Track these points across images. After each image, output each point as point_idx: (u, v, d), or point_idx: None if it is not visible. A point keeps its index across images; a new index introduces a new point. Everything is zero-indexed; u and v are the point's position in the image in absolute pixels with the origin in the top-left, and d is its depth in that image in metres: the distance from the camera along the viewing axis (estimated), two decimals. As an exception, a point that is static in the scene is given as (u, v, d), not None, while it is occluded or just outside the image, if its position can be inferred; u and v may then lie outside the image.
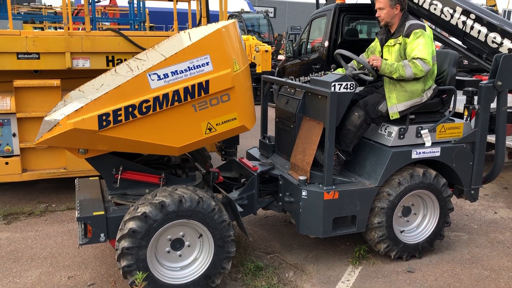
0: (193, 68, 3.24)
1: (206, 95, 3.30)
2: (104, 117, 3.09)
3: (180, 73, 3.22)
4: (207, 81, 3.27)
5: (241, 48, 3.54)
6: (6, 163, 4.99)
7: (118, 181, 3.54)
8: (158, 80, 3.17)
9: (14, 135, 5.00)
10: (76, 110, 3.08)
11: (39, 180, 5.33)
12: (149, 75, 3.15)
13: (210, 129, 3.42)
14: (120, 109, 3.11)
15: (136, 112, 3.16)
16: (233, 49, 3.42)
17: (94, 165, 3.55)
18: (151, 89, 3.16)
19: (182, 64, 3.21)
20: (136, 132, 3.22)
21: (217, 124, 3.43)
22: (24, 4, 18.08)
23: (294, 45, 10.39)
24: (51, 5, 19.28)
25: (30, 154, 5.11)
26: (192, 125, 3.36)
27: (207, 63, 3.27)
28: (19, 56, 5.00)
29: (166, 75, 3.18)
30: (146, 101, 3.16)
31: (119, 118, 3.13)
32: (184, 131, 3.36)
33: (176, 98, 3.22)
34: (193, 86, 3.24)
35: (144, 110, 3.17)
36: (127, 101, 3.13)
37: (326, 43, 8.66)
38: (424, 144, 3.94)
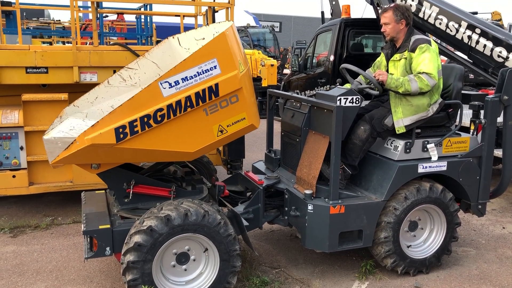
0: (202, 72, 3.28)
1: (216, 98, 3.35)
2: (120, 130, 3.12)
3: (190, 79, 3.25)
4: (216, 85, 3.32)
5: (241, 50, 3.59)
6: (14, 176, 5.01)
7: (130, 195, 3.54)
8: (169, 88, 3.21)
9: (21, 148, 5.04)
10: (92, 125, 3.10)
11: (45, 193, 5.34)
12: (161, 83, 3.18)
13: (221, 131, 3.47)
14: (135, 120, 3.15)
15: (151, 121, 3.19)
16: (236, 51, 3.47)
17: (106, 180, 3.55)
18: (163, 97, 3.20)
19: (191, 70, 3.25)
20: (153, 141, 3.26)
21: (228, 126, 3.48)
22: (33, 19, 18.32)
23: (299, 59, 10.44)
24: (59, 20, 19.52)
25: (37, 168, 5.13)
26: (204, 129, 3.41)
27: (215, 67, 3.31)
28: (28, 70, 5.06)
29: (177, 82, 3.22)
30: (160, 109, 3.19)
31: (135, 129, 3.16)
32: (197, 136, 3.41)
33: (188, 104, 3.26)
34: (203, 90, 3.29)
35: (159, 118, 3.20)
36: (142, 112, 3.16)
37: (332, 57, 8.70)
38: (430, 158, 3.92)
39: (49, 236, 4.78)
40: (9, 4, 8.61)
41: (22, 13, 12.18)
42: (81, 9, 11.32)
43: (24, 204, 5.68)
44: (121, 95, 3.91)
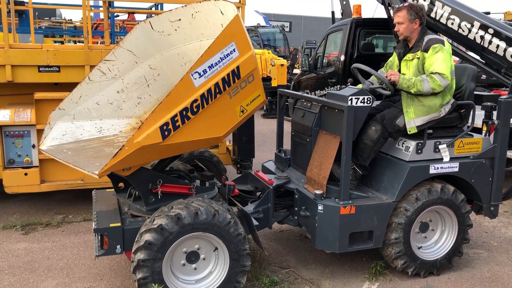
0: (224, 57, 3.31)
1: (238, 80, 3.42)
2: (165, 127, 3.16)
3: (215, 65, 3.29)
4: (237, 67, 3.38)
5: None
6: (26, 174, 5.06)
7: (159, 194, 3.55)
8: (199, 77, 3.24)
9: (33, 146, 5.09)
10: (139, 128, 3.10)
11: (56, 191, 5.39)
12: (192, 74, 3.20)
13: (242, 111, 3.56)
14: (176, 115, 3.19)
15: (189, 113, 3.24)
16: (246, 32, 3.51)
17: (133, 181, 3.54)
18: (195, 88, 3.23)
19: (215, 57, 3.27)
20: (191, 132, 3.32)
21: (247, 105, 3.57)
22: (45, 18, 18.48)
23: (310, 59, 10.42)
24: (71, 20, 19.67)
25: (49, 166, 5.17)
26: (229, 112, 3.49)
27: (234, 50, 3.35)
28: (40, 69, 5.11)
29: (205, 71, 3.25)
30: (195, 100, 3.24)
31: (177, 124, 3.21)
32: (224, 119, 3.49)
33: (217, 91, 3.32)
34: (228, 75, 3.34)
35: (195, 109, 3.26)
36: (180, 105, 3.20)
37: (342, 57, 8.67)
38: (442, 159, 3.89)
39: (60, 234, 4.82)
40: (22, 3, 8.69)
41: (34, 12, 12.29)
42: (93, 8, 11.40)
43: (35, 201, 5.73)
44: (103, 89, 3.95)
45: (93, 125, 3.97)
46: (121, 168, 3.26)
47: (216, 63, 3.27)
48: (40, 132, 5.05)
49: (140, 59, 4.06)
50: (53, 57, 5.08)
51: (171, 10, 4.05)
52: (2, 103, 5.30)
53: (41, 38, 11.07)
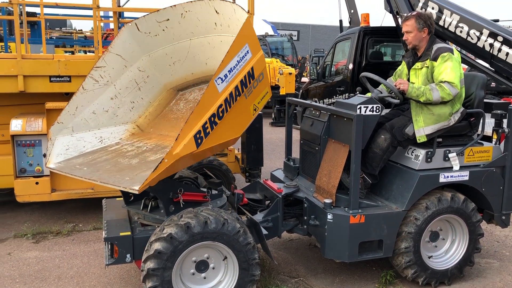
0: (240, 60, 3.37)
1: (252, 80, 3.49)
2: (197, 135, 3.22)
3: (234, 69, 3.34)
4: (252, 68, 3.46)
5: None
6: (37, 183, 5.11)
7: (181, 203, 3.57)
8: (222, 82, 3.29)
9: (44, 155, 5.13)
10: (176, 139, 3.11)
11: (66, 200, 5.43)
12: (215, 80, 3.24)
13: (255, 109, 3.65)
14: (206, 122, 3.24)
15: (216, 119, 3.30)
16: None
17: (156, 192, 3.54)
18: (219, 93, 3.28)
19: (233, 61, 3.32)
20: (217, 137, 3.39)
21: (258, 103, 3.64)
22: (56, 29, 18.73)
23: (318, 67, 10.44)
24: (81, 30, 19.92)
25: (59, 175, 5.18)
26: (246, 112, 3.56)
27: (248, 51, 3.40)
28: (52, 79, 5.19)
29: (226, 76, 3.30)
30: (220, 105, 3.30)
31: (207, 130, 3.27)
32: (242, 120, 3.57)
33: (237, 93, 3.39)
34: (245, 76, 3.42)
35: (221, 114, 3.32)
36: (209, 112, 3.25)
37: (351, 66, 8.68)
38: (452, 167, 3.87)
39: (70, 243, 4.85)
40: (34, 14, 8.83)
41: (46, 23, 12.47)
42: (103, 18, 11.52)
43: (46, 210, 5.77)
44: (97, 97, 3.90)
45: (93, 135, 3.95)
46: (158, 180, 3.24)
47: (234, 66, 3.32)
48: (51, 142, 5.12)
49: (129, 62, 4.01)
50: (64, 67, 5.15)
51: (158, 10, 3.97)
52: (14, 113, 5.37)
53: (52, 48, 11.23)
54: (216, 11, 3.78)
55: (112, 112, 4.03)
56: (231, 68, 3.30)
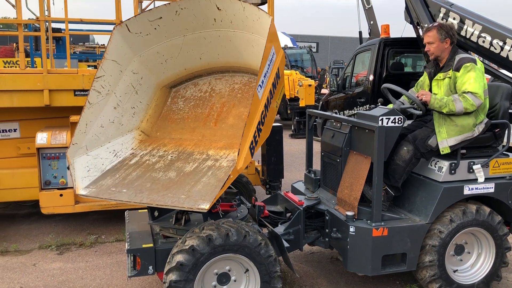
0: (270, 63, 3.39)
1: (279, 80, 3.55)
2: (251, 146, 3.29)
3: (267, 73, 3.38)
4: (278, 69, 3.51)
5: None
6: (61, 195, 5.20)
7: (220, 214, 3.61)
8: (260, 89, 3.32)
9: (68, 168, 5.21)
10: (238, 155, 3.14)
11: (89, 211, 5.50)
12: (257, 89, 3.26)
13: (276, 106, 3.70)
14: (255, 132, 3.30)
15: (261, 126, 3.37)
16: None
17: None
18: (259, 100, 3.32)
19: (266, 66, 3.34)
20: (260, 141, 3.45)
21: (278, 98, 3.67)
22: (80, 44, 19.16)
23: (338, 79, 10.42)
24: (103, 44, 20.33)
25: (83, 187, 5.29)
26: (274, 110, 3.60)
27: (274, 53, 3.43)
28: (76, 93, 5.30)
29: (262, 82, 3.34)
30: (263, 111, 3.36)
31: (256, 139, 3.34)
32: (271, 119, 3.60)
33: (270, 96, 3.45)
34: (274, 78, 3.48)
35: (263, 120, 3.40)
36: (255, 121, 3.30)
37: (371, 77, 8.64)
38: (476, 179, 3.80)
39: (93, 254, 4.90)
40: (59, 30, 9.05)
41: (69, 38, 12.81)
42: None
43: (69, 222, 5.86)
44: (103, 110, 3.76)
45: (106, 150, 3.85)
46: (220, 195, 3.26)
47: (267, 70, 3.35)
48: (75, 154, 5.21)
49: (123, 66, 3.84)
50: (88, 81, 5.26)
51: (150, 9, 3.80)
52: (40, 126, 5.49)
53: (76, 63, 11.48)
54: (218, 8, 3.62)
55: (117, 122, 3.93)
56: (265, 73, 3.31)
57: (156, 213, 3.85)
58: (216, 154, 3.81)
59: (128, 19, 3.73)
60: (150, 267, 3.43)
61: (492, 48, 6.09)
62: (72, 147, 3.57)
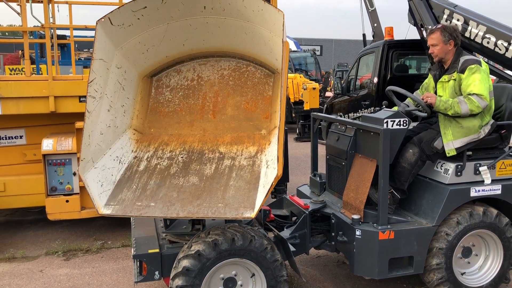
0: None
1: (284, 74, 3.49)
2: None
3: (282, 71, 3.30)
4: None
5: None
6: (67, 201, 5.21)
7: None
8: (282, 90, 3.25)
9: (74, 174, 5.25)
10: (278, 161, 3.04)
11: (95, 217, 5.51)
12: (281, 90, 3.17)
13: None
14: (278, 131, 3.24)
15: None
16: None
17: None
18: (283, 101, 3.25)
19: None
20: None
21: None
22: (84, 50, 19.26)
23: (342, 82, 10.41)
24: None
25: (88, 193, 5.29)
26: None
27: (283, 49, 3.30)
28: (81, 99, 5.31)
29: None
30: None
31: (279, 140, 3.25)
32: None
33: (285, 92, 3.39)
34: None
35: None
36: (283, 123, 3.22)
37: (376, 79, 8.62)
38: (483, 181, 3.78)
39: (100, 260, 4.91)
40: (64, 37, 9.10)
41: (74, 45, 12.88)
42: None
43: (76, 228, 5.88)
44: (99, 115, 3.51)
45: (109, 158, 3.63)
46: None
47: (283, 68, 3.25)
48: (81, 160, 5.21)
49: (109, 63, 3.58)
50: (93, 87, 5.27)
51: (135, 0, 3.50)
52: (46, 133, 5.52)
53: (81, 69, 11.54)
54: None
55: (113, 125, 3.69)
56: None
57: (168, 222, 3.82)
58: (229, 152, 3.69)
59: (112, 11, 3.44)
60: (156, 273, 3.43)
61: (496, 49, 6.05)
62: (81, 164, 3.33)
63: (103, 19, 3.40)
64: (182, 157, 3.74)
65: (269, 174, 3.27)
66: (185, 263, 3.20)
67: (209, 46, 3.89)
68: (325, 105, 11.61)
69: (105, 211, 3.34)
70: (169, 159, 3.75)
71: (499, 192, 3.80)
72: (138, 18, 3.53)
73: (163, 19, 3.61)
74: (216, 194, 3.34)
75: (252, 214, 3.00)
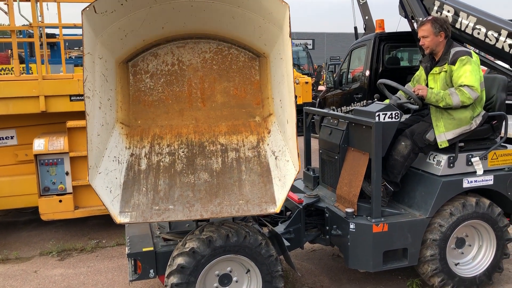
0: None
1: None
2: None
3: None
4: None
5: None
6: (60, 201, 5.18)
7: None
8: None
9: (67, 173, 5.22)
10: (298, 157, 3.08)
11: (89, 216, 5.49)
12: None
13: None
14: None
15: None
16: None
17: None
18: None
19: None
20: None
21: None
22: (75, 48, 19.12)
23: (334, 75, 10.42)
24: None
25: (82, 192, 5.28)
26: None
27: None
28: (72, 98, 5.27)
29: None
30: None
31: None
32: None
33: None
34: None
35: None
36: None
37: (367, 73, 8.64)
38: (475, 172, 3.80)
39: (95, 259, 4.89)
40: (53, 36, 9.02)
41: (65, 43, 12.76)
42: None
43: (70, 227, 5.85)
44: (95, 116, 3.30)
45: (108, 159, 3.44)
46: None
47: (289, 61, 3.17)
48: (73, 160, 5.18)
49: (93, 55, 3.32)
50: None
51: None
52: (37, 133, 5.48)
53: (72, 68, 11.45)
54: None
55: (105, 122, 3.48)
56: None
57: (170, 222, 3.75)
58: (229, 143, 3.60)
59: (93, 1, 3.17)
60: (151, 271, 3.42)
61: (487, 40, 6.08)
62: (90, 172, 3.12)
63: (88, 8, 3.13)
64: (183, 152, 3.60)
65: (282, 167, 3.24)
66: (180, 260, 3.19)
67: (189, 29, 3.66)
68: (318, 99, 11.62)
69: (123, 219, 3.14)
70: (170, 155, 3.59)
71: (491, 182, 3.82)
72: (122, 4, 3.27)
73: (147, 3, 3.37)
74: (232, 190, 3.30)
75: (276, 209, 2.97)
